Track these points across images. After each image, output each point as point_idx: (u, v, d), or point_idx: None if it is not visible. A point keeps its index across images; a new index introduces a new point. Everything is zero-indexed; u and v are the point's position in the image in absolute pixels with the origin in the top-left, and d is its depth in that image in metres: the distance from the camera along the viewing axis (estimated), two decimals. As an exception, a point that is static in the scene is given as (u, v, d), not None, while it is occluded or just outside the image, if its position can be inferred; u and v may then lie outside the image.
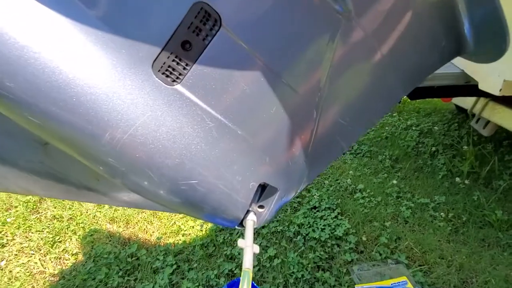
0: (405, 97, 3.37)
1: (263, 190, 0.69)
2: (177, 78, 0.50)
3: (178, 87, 0.51)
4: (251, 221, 0.66)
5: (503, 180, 1.95)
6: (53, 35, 0.44)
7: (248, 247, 0.60)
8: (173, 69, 0.49)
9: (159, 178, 0.54)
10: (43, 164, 0.66)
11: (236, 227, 0.67)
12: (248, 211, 0.66)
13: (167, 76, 0.50)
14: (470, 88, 1.77)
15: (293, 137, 0.60)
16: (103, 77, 0.46)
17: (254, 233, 1.73)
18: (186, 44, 0.49)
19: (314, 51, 0.53)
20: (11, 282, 1.51)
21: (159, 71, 0.49)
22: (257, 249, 0.63)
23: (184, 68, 0.50)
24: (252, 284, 1.02)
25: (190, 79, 0.51)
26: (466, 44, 0.53)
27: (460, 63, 1.73)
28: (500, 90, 1.49)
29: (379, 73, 0.57)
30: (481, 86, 1.61)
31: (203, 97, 0.52)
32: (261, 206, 0.68)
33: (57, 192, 0.70)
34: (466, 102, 2.16)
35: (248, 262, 0.57)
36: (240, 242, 0.62)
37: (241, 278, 0.56)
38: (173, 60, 0.49)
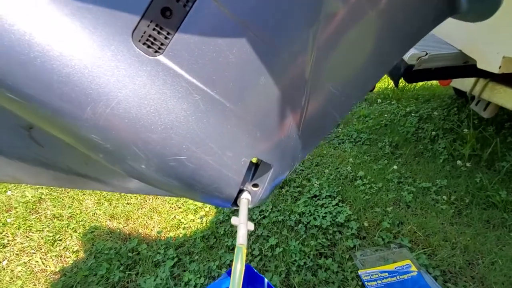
0: (403, 83, 3.34)
1: (256, 168, 0.67)
2: (159, 48, 0.48)
3: (161, 58, 0.49)
4: (245, 200, 0.64)
5: (506, 162, 1.92)
6: (27, 6, 0.42)
7: (242, 224, 0.58)
8: (155, 39, 0.47)
9: (147, 155, 0.52)
10: (29, 149, 0.64)
11: (231, 206, 0.66)
12: (242, 190, 0.65)
13: (149, 46, 0.48)
14: (468, 68, 1.74)
15: (284, 109, 0.58)
16: (80, 48, 0.44)
17: (256, 222, 1.71)
18: (166, 11, 0.47)
19: (301, 14, 0.50)
20: (13, 281, 1.50)
21: (139, 41, 0.47)
22: (251, 226, 0.61)
23: (166, 38, 0.48)
24: (254, 271, 1.01)
25: (173, 49, 0.49)
26: (459, 1, 0.51)
27: (457, 43, 1.70)
28: (500, 67, 1.46)
29: (370, 37, 0.55)
30: (480, 65, 1.58)
31: (188, 68, 0.50)
32: (255, 185, 0.66)
33: (45, 179, 0.69)
34: (465, 84, 2.13)
35: (241, 238, 0.56)
36: (234, 220, 0.60)
37: (234, 254, 0.54)
38: (154, 29, 0.47)
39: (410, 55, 1.63)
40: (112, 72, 0.47)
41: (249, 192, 0.66)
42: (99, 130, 0.49)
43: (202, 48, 0.50)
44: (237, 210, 0.63)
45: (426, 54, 1.64)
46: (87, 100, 0.46)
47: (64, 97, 0.45)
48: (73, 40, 0.44)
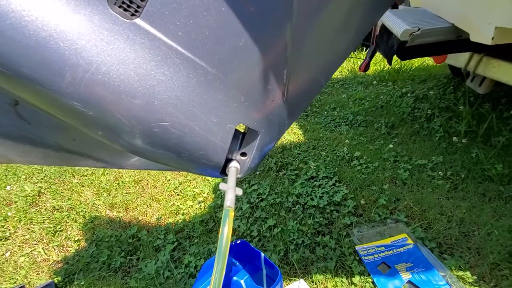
0: (399, 64, 3.31)
1: (243, 137, 0.67)
2: (136, 11, 0.48)
3: (138, 21, 0.48)
4: (233, 168, 0.64)
5: (502, 136, 1.92)
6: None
7: (230, 188, 0.59)
8: (131, 1, 0.47)
9: (130, 122, 0.52)
10: (16, 126, 0.64)
11: (220, 176, 0.66)
12: (231, 160, 0.65)
13: (125, 9, 0.47)
14: (462, 42, 1.72)
15: (267, 72, 0.58)
16: (56, 13, 0.44)
17: (254, 205, 1.73)
18: (140, -28, 0.47)
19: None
20: (16, 271, 1.53)
21: (115, 4, 0.47)
22: (240, 191, 0.62)
23: (142, 0, 0.48)
24: (250, 247, 1.02)
25: (150, 11, 0.48)
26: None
27: (450, 17, 1.68)
28: (493, 38, 1.45)
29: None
30: (473, 38, 1.57)
31: (166, 31, 0.50)
32: (243, 154, 0.66)
33: (35, 157, 0.69)
34: (459, 60, 2.11)
35: (229, 201, 0.56)
36: (222, 185, 0.60)
37: (222, 217, 0.55)
38: (129, -9, 0.47)
39: (403, 31, 1.62)
40: (89, 37, 0.46)
41: (238, 161, 0.67)
42: (80, 96, 0.48)
43: (179, 10, 0.50)
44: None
45: (419, 29, 1.63)
46: (66, 65, 0.45)
47: (42, 62, 0.45)
48: (49, 4, 0.44)
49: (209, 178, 2.05)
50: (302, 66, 0.61)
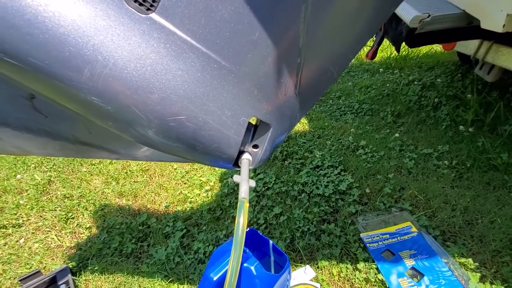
0: (406, 51, 3.25)
1: (256, 129, 0.68)
2: (151, 6, 0.48)
3: (153, 15, 0.48)
4: (246, 160, 0.66)
5: (509, 125, 1.91)
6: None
7: (244, 180, 0.61)
8: (146, -4, 0.47)
9: (147, 116, 0.53)
10: (34, 120, 0.66)
11: (233, 167, 0.68)
12: (243, 152, 0.66)
13: (141, 4, 0.48)
14: (472, 29, 1.69)
15: (280, 66, 0.58)
16: (73, 8, 0.44)
17: (260, 193, 1.76)
18: (155, -34, 0.46)
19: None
20: (31, 256, 1.58)
21: (130, -2, 0.47)
22: (253, 183, 0.63)
23: (157, -6, 0.48)
24: (259, 234, 1.05)
25: (165, 6, 0.48)
26: None
27: (461, 3, 1.64)
28: (504, 26, 1.42)
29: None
30: (484, 25, 1.54)
31: (181, 26, 0.50)
32: (255, 146, 0.67)
33: (52, 150, 0.71)
34: (468, 48, 2.07)
35: (243, 193, 0.58)
36: (236, 177, 0.62)
37: (237, 208, 0.57)
38: (144, -14, 0.47)
39: (412, 18, 1.59)
40: (106, 32, 0.47)
41: (250, 153, 0.68)
42: (99, 92, 0.49)
43: (194, 4, 0.50)
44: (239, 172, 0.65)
45: (429, 16, 1.59)
46: (84, 61, 0.46)
47: (61, 58, 0.46)
48: (64, 1, 0.44)
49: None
50: (315, 58, 0.62)
